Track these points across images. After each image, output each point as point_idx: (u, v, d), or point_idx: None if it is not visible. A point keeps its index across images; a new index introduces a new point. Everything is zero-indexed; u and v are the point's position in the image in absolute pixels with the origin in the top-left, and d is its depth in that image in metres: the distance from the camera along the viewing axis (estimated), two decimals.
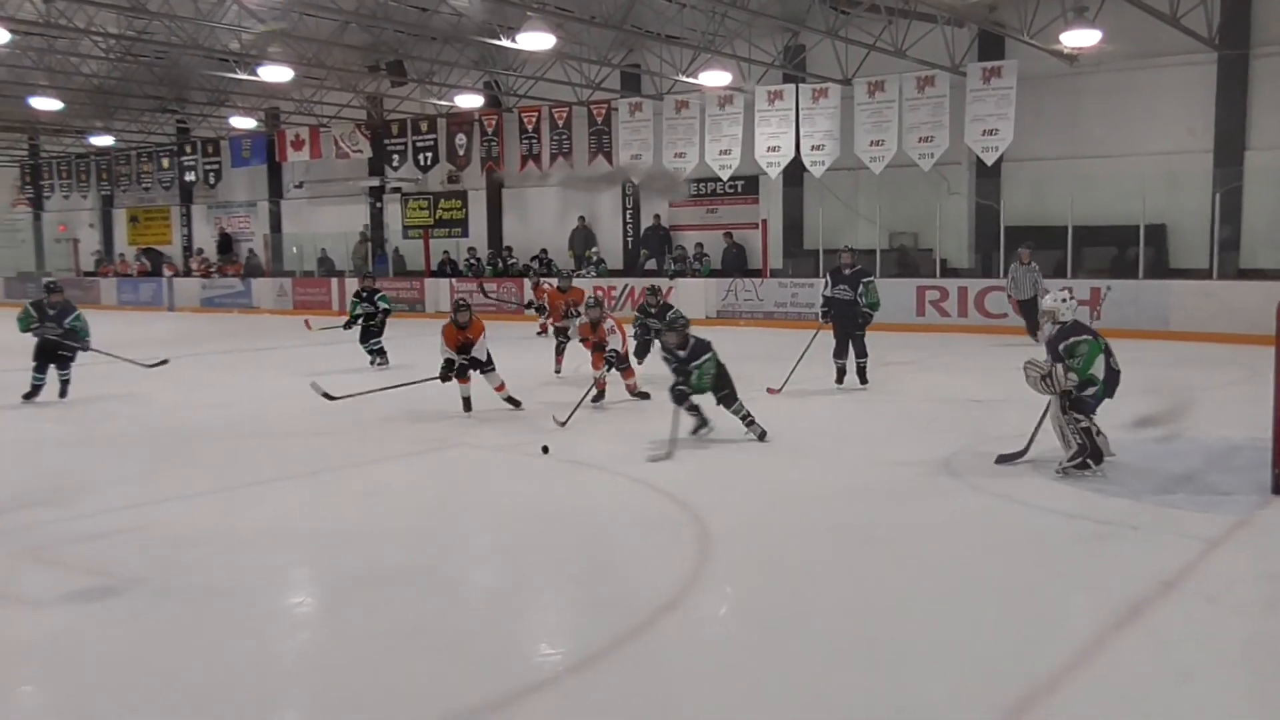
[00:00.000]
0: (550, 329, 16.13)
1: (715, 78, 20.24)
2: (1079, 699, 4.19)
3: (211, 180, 31.77)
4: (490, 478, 8.32)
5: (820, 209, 21.75)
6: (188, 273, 31.55)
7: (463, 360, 10.53)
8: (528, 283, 21.26)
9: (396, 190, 28.72)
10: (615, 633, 4.93)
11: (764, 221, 22.37)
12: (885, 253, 20.28)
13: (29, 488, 8.10)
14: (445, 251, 27.07)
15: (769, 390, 11.33)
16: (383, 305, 15.50)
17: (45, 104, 23.98)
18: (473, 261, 26.12)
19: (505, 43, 18.18)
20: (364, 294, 15.52)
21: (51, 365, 12.02)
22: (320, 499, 7.80)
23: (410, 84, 24.03)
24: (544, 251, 25.33)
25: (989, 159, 19.19)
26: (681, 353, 9.18)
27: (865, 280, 11.83)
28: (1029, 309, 15.48)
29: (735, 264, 22.59)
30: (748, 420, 9.28)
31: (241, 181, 31.91)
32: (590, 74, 22.65)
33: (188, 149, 31.81)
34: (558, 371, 13.70)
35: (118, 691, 4.45)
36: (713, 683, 4.45)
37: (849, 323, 11.83)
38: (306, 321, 17.24)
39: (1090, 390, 7.48)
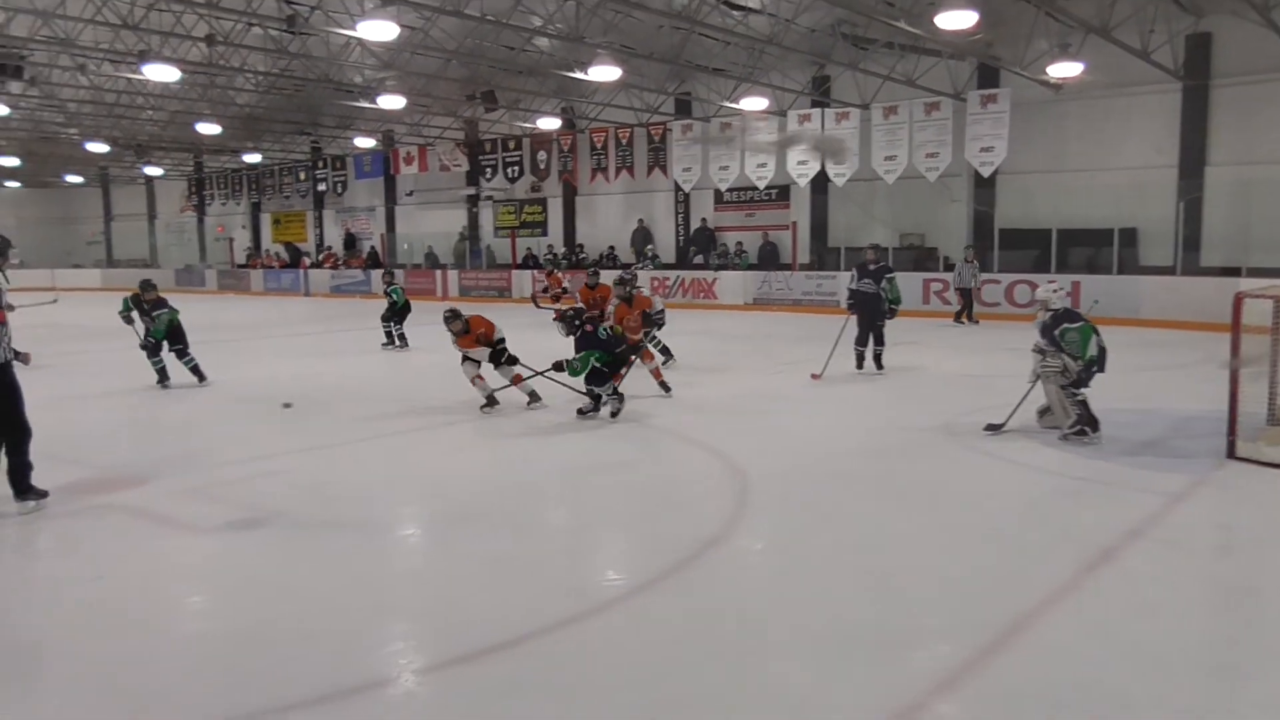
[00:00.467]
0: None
1: (754, 103, 20.13)
2: (1058, 626, 4.13)
3: (339, 189, 32.10)
4: (555, 436, 8.30)
5: (841, 213, 21.57)
6: (319, 265, 31.92)
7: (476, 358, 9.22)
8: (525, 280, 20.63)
9: (489, 198, 28.80)
10: (668, 563, 4.93)
11: (794, 224, 22.15)
12: (897, 250, 20.01)
13: (187, 444, 8.27)
14: (528, 248, 27.18)
15: (812, 376, 10.68)
16: (393, 296, 14.76)
17: (208, 129, 24.33)
18: (550, 257, 26.17)
19: (579, 75, 18.14)
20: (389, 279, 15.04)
21: (171, 354, 10.97)
22: (423, 452, 7.85)
23: (501, 110, 24.05)
24: (611, 249, 25.34)
25: (985, 172, 18.85)
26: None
27: (888, 276, 11.06)
28: (966, 296, 17.23)
29: (769, 259, 22.42)
30: (588, 408, 8.70)
31: (363, 190, 32.17)
32: (649, 100, 22.57)
33: (319, 164, 32.14)
34: None
35: (266, 601, 4.53)
36: (750, 603, 4.44)
37: (871, 314, 11.06)
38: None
39: (1088, 368, 7.34)
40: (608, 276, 12.75)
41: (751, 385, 10.72)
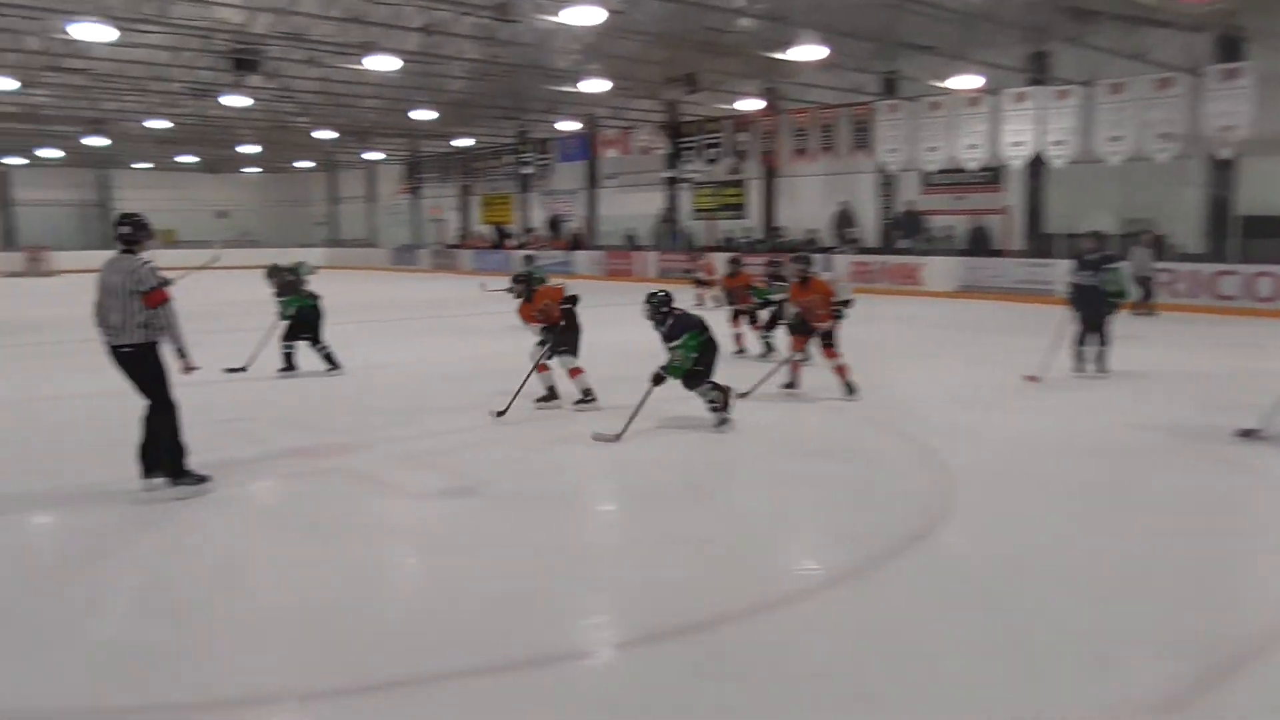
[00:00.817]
0: (709, 301, 15.79)
1: (966, 82, 19.21)
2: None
3: (543, 172, 33.16)
4: (749, 417, 8.21)
5: (1060, 197, 20.36)
6: (523, 246, 33.04)
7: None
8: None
9: (688, 180, 28.97)
10: (867, 557, 4.82)
11: (1007, 207, 21.13)
12: (1123, 238, 18.73)
13: (398, 413, 8.70)
14: (727, 230, 27.19)
15: (1028, 379, 9.68)
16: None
17: (423, 115, 25.60)
18: (747, 238, 26.06)
19: (782, 55, 17.89)
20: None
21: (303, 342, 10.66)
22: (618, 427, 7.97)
23: (701, 92, 24.09)
24: (812, 232, 24.97)
25: (1225, 153, 17.31)
26: (661, 330, 7.71)
27: (1110, 266, 10.11)
28: (1145, 285, 15.87)
29: (979, 244, 21.49)
30: (713, 405, 7.62)
31: (566, 173, 33.02)
32: (854, 80, 21.99)
33: (525, 148, 33.28)
34: (739, 351, 11.81)
35: (475, 564, 4.72)
36: (954, 604, 4.27)
37: (1092, 309, 9.98)
38: (483, 283, 16.23)
39: None
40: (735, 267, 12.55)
41: (960, 377, 10.31)
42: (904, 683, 3.53)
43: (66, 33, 16.33)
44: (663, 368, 7.50)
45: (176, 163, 40.07)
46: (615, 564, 4.94)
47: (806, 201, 26.02)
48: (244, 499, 6.02)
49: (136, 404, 5.81)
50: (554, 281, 9.43)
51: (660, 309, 7.64)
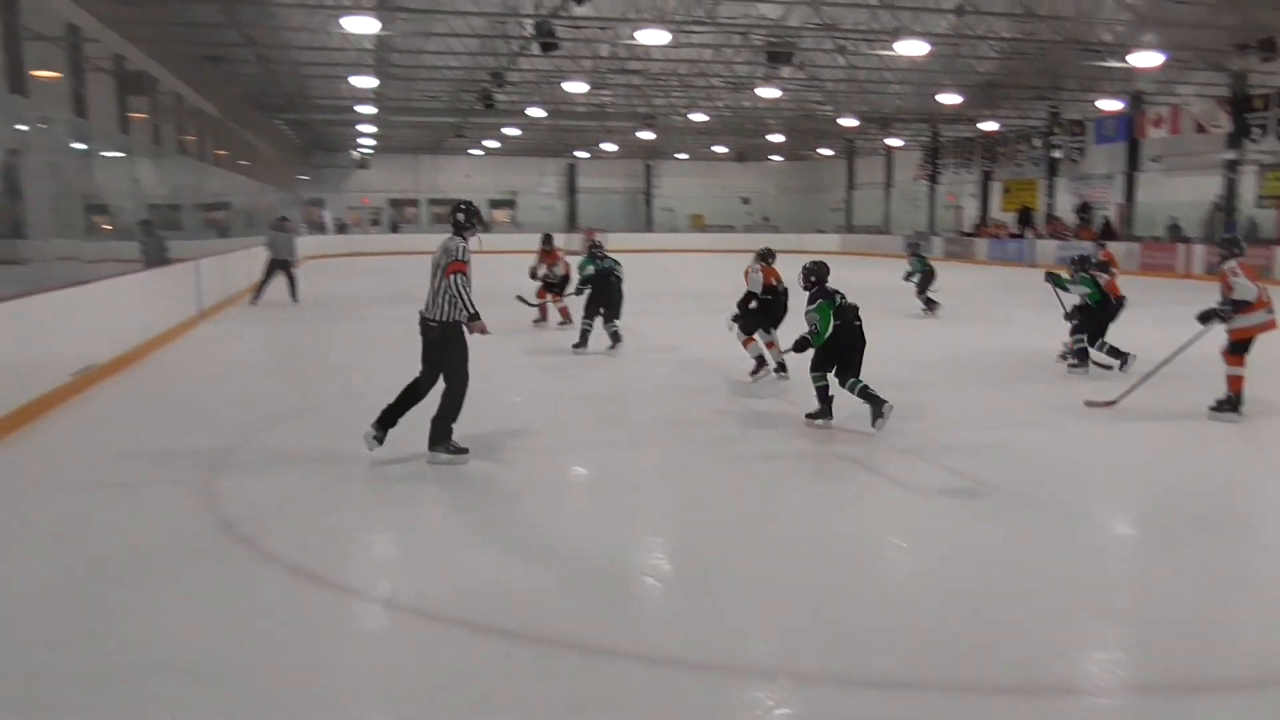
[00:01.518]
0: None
1: None
2: None
3: (1074, 156, 30.82)
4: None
5: None
6: (1052, 235, 31.04)
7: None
8: None
9: (1255, 163, 25.14)
10: None
11: None
12: None
13: (902, 404, 8.61)
14: None
15: None
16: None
17: (947, 99, 25.07)
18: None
19: None
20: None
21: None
22: (1148, 439, 7.19)
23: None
24: None
25: None
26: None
27: None
28: None
29: None
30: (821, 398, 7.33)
31: (1101, 157, 30.35)
32: None
33: (1056, 130, 31.15)
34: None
35: (975, 573, 4.53)
36: None
37: None
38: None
39: None
40: None
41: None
42: None
43: (633, 38, 18.41)
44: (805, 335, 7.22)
45: (709, 152, 43.46)
46: (1137, 595, 4.44)
47: None
48: (749, 475, 6.39)
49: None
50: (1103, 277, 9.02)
51: (809, 278, 7.34)
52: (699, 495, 5.87)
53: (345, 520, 5.29)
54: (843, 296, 7.23)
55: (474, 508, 5.58)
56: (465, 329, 6.05)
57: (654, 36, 16.94)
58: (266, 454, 6.55)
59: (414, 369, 6.21)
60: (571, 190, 46.67)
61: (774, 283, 9.12)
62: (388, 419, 6.13)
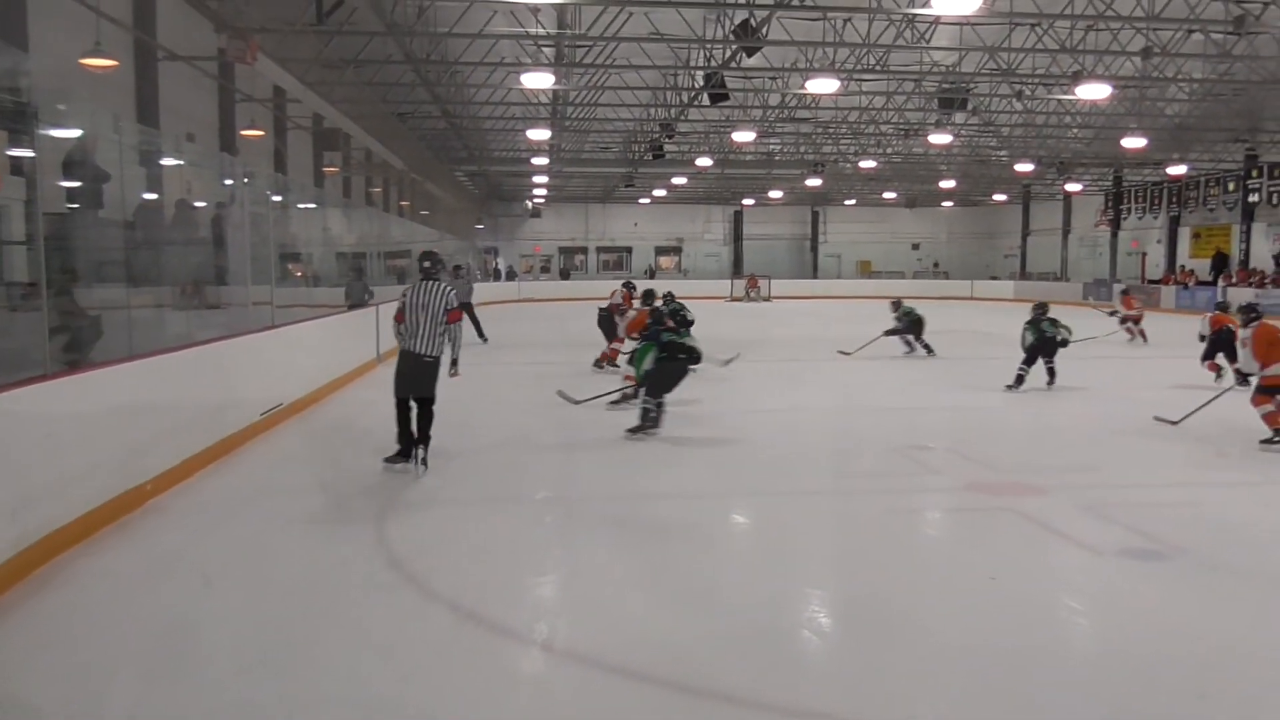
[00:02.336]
0: None
1: None
2: None
3: (1274, 200, 28.72)
4: None
5: None
6: (1246, 283, 28.95)
7: None
8: None
9: None
10: None
11: None
12: None
13: (1084, 454, 8.16)
14: None
15: None
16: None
17: (1133, 142, 23.85)
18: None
19: None
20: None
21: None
22: None
23: None
24: None
25: None
26: None
27: None
28: None
29: None
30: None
31: None
32: None
33: (1254, 173, 29.16)
34: None
35: (1158, 643, 4.21)
36: None
37: None
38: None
39: None
40: None
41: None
42: None
43: (803, 88, 18.44)
44: None
45: (878, 198, 42.82)
46: None
47: None
48: (917, 528, 6.18)
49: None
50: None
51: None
52: (862, 547, 5.70)
53: (505, 560, 5.39)
54: (681, 333, 9.00)
55: (634, 552, 5.59)
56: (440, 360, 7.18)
57: (824, 85, 16.87)
58: (432, 493, 6.77)
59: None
60: (737, 237, 46.85)
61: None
62: (409, 445, 7.14)
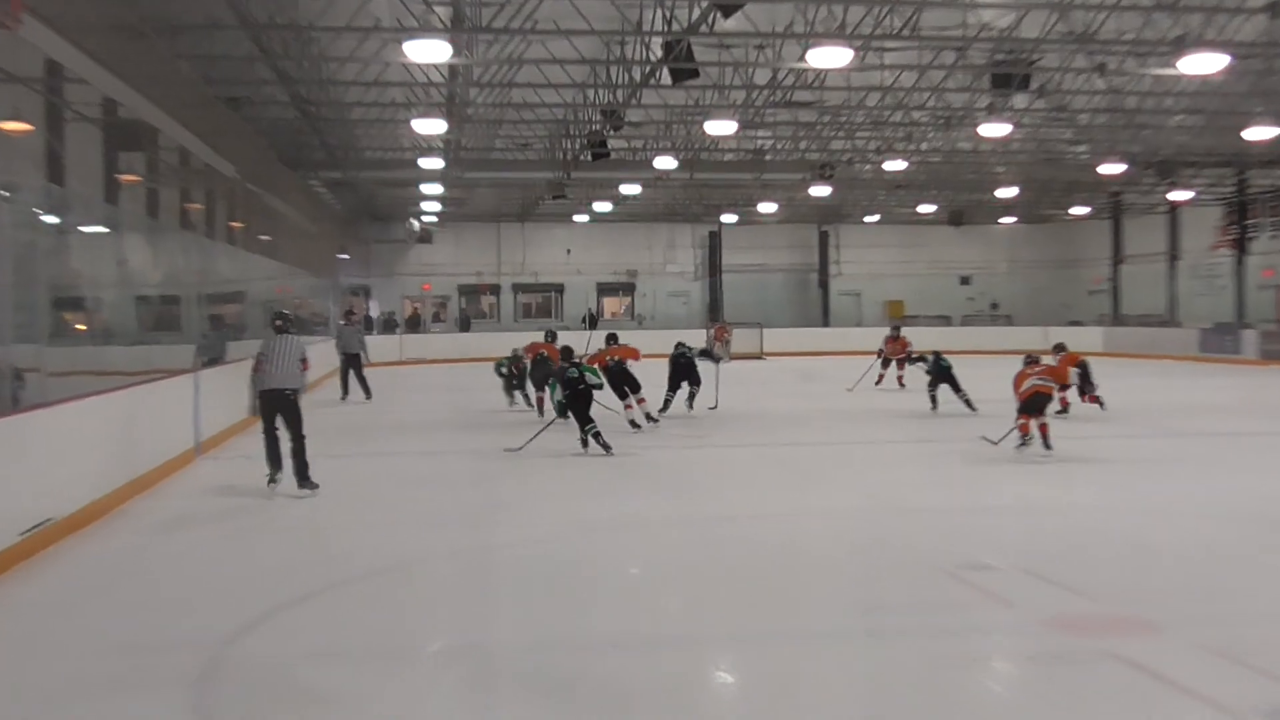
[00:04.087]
0: None
1: None
2: None
3: None
4: None
5: None
6: None
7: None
8: None
9: None
10: None
11: None
12: None
13: (1199, 579, 8.21)
14: None
15: None
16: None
17: (1259, 133, 24.46)
18: None
19: None
20: None
21: None
22: None
23: None
24: None
25: None
26: None
27: None
28: None
29: None
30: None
31: None
32: None
33: None
34: None
35: None
36: None
37: None
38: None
39: None
40: None
41: None
42: None
43: (803, 60, 18.68)
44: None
45: (911, 214, 43.31)
46: None
47: None
48: (981, 685, 6.18)
49: None
50: None
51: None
52: (905, 714, 5.70)
53: None
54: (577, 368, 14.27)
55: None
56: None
57: (831, 57, 17.13)
58: (276, 661, 6.67)
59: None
60: (713, 268, 47.02)
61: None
62: (300, 471, 11.39)
